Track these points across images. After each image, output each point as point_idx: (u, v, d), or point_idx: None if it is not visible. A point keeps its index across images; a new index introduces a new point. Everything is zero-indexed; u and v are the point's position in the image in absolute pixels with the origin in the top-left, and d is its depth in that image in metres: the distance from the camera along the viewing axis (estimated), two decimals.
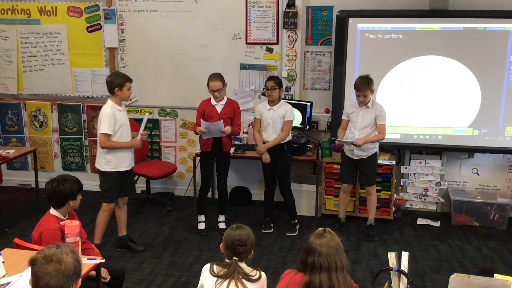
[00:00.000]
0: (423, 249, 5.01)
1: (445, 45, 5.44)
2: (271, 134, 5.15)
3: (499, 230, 5.49)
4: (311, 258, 2.46)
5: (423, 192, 5.87)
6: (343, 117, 5.28)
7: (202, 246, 5.03)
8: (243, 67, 5.99)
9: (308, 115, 5.67)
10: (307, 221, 5.64)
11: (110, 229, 4.85)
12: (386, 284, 2.69)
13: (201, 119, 4.94)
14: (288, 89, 5.89)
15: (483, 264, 4.63)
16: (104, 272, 3.37)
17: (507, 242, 5.18)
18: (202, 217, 5.38)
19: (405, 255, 2.62)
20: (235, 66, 6.00)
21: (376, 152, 5.23)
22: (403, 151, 5.90)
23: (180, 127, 6.29)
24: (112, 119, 4.43)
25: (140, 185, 6.09)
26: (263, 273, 2.80)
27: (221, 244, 2.86)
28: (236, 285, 2.68)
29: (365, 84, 4.95)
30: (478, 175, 5.89)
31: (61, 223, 3.17)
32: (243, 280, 2.71)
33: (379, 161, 5.56)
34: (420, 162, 5.80)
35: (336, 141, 5.22)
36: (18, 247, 3.32)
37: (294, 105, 5.39)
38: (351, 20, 5.54)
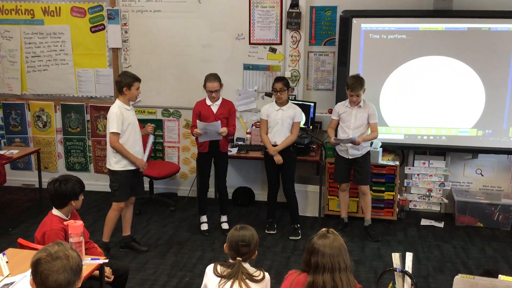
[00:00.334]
0: (427, 250, 4.99)
1: (449, 46, 5.42)
2: (279, 135, 5.10)
3: (503, 231, 5.46)
4: (314, 259, 2.46)
5: (427, 193, 5.85)
6: (333, 117, 5.26)
7: (205, 246, 5.03)
8: (247, 67, 5.99)
9: (311, 115, 5.66)
10: (311, 222, 5.63)
11: (114, 229, 4.84)
12: (390, 284, 2.68)
13: (197, 120, 4.95)
14: (291, 89, 5.88)
15: (487, 265, 4.61)
16: (108, 271, 3.38)
17: (511, 243, 5.16)
18: (204, 218, 5.39)
19: (409, 256, 2.61)
20: (239, 67, 5.99)
21: (369, 151, 5.24)
22: (407, 151, 5.89)
23: (184, 127, 6.30)
24: (120, 118, 4.46)
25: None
26: (266, 274, 2.80)
27: (225, 244, 2.86)
28: (240, 285, 2.68)
29: (358, 84, 4.96)
30: (482, 175, 5.87)
31: (65, 223, 3.18)
32: (247, 281, 2.71)
33: (383, 162, 5.57)
34: (424, 163, 5.78)
35: (332, 139, 5.15)
36: (22, 247, 3.32)
37: (297, 106, 5.37)
38: (354, 20, 5.53)
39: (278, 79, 5.14)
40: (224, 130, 4.94)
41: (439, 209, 5.93)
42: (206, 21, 5.95)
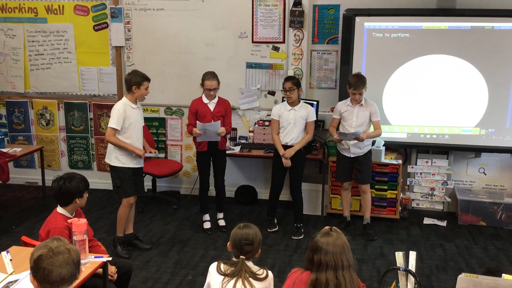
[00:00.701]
0: (430, 249, 4.99)
1: (452, 44, 5.41)
2: (291, 135, 5.06)
3: (506, 230, 5.46)
4: (317, 257, 2.46)
5: (430, 192, 5.85)
6: (335, 116, 5.25)
7: (208, 244, 5.04)
8: (249, 66, 5.99)
9: None
10: (313, 220, 5.64)
11: (113, 228, 4.86)
12: (394, 283, 2.69)
13: (197, 121, 4.94)
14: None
15: (490, 264, 4.61)
16: (113, 270, 3.39)
17: None
18: (207, 216, 5.39)
19: (412, 255, 2.61)
20: (241, 65, 6.00)
21: (371, 150, 5.24)
22: (410, 150, 5.88)
23: (186, 125, 6.29)
24: (122, 115, 4.48)
25: (146, 184, 6.06)
26: (270, 272, 2.80)
27: (228, 242, 2.86)
28: (243, 283, 2.69)
29: (361, 82, 4.95)
30: (485, 174, 5.87)
31: (69, 221, 3.19)
32: (250, 279, 2.71)
33: (385, 161, 5.56)
34: (427, 162, 5.78)
35: (336, 135, 5.11)
36: (26, 244, 3.34)
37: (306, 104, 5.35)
38: (358, 19, 5.52)
39: (287, 79, 5.08)
40: (223, 130, 4.95)
41: (442, 208, 5.92)
42: (209, 19, 5.95)
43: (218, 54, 6.01)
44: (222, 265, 2.77)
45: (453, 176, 5.86)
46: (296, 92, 4.99)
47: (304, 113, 5.05)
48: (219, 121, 4.93)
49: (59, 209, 3.39)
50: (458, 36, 5.40)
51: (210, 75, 4.98)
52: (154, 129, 6.34)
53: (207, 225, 5.35)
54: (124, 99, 4.60)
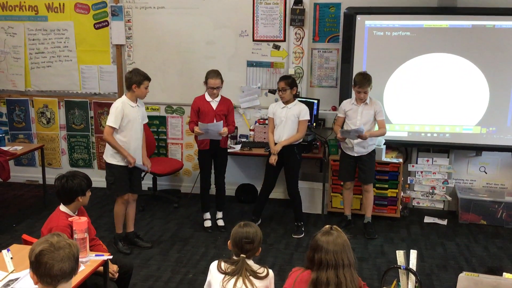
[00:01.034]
0: (430, 248, 4.99)
1: (453, 43, 5.41)
2: (283, 133, 5.07)
3: (506, 228, 5.46)
4: (318, 255, 2.46)
5: (430, 190, 5.85)
6: (339, 115, 5.24)
7: (209, 243, 5.04)
8: (250, 64, 5.99)
9: (315, 112, 5.65)
10: (314, 219, 5.64)
11: (111, 224, 4.86)
12: (394, 282, 2.69)
13: (199, 122, 4.94)
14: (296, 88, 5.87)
15: (491, 263, 4.61)
16: (115, 269, 3.39)
17: None
18: (207, 215, 5.39)
19: (413, 253, 2.61)
20: (242, 64, 5.99)
21: (375, 149, 5.23)
22: (411, 149, 5.88)
23: (187, 124, 6.29)
24: (120, 113, 4.49)
25: (146, 182, 6.10)
26: (270, 271, 2.80)
27: (229, 241, 2.86)
28: (244, 282, 2.68)
29: (366, 81, 4.94)
30: (486, 173, 5.86)
31: (70, 219, 3.18)
32: (251, 277, 2.71)
33: (386, 159, 5.56)
34: (428, 160, 5.78)
35: (339, 134, 5.06)
36: (26, 243, 3.33)
37: (303, 103, 5.35)
38: (358, 17, 5.52)
39: (281, 78, 5.10)
40: (225, 131, 4.95)
41: (442, 207, 5.93)
42: (210, 17, 5.95)
43: (218, 52, 6.01)
44: (222, 264, 2.77)
45: (454, 174, 5.86)
46: (289, 92, 5.00)
47: (297, 111, 5.05)
48: (222, 121, 4.92)
49: (62, 207, 3.39)
50: (459, 34, 5.39)
51: (214, 74, 4.97)
52: (155, 127, 6.34)
53: (207, 223, 5.35)
54: (123, 97, 4.60)
